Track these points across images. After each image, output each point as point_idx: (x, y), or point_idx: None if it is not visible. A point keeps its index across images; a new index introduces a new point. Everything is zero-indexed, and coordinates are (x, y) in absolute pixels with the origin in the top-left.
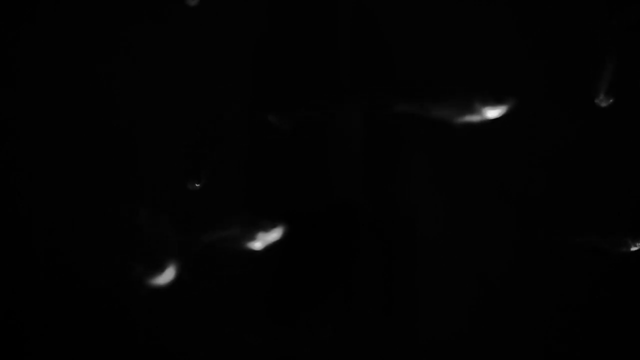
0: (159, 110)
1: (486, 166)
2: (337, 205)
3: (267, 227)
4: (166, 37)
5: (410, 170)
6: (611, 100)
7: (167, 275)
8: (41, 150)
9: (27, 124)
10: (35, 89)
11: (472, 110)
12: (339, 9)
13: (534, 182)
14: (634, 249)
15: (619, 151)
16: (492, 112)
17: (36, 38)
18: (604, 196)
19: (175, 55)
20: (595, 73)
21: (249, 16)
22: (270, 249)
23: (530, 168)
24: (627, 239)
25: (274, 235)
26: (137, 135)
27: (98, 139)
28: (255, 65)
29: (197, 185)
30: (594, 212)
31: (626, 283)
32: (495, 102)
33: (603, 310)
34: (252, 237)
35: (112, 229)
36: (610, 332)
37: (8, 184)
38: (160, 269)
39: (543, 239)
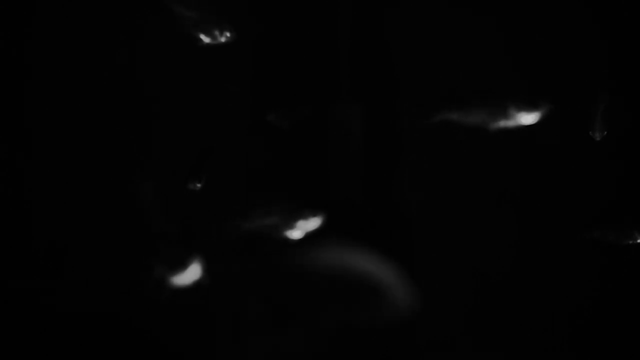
0: (160, 108)
1: (487, 165)
2: (336, 205)
3: (307, 215)
4: (166, 37)
5: (410, 170)
6: (605, 134)
7: (190, 274)
8: (51, 151)
9: (30, 127)
10: (43, 89)
11: (506, 115)
12: (339, 9)
13: (535, 180)
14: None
15: (620, 147)
16: (527, 118)
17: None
18: (608, 190)
19: (175, 55)
20: (590, 111)
21: (249, 16)
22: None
23: (532, 164)
24: (633, 231)
25: (313, 223)
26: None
27: (108, 138)
28: (255, 65)
29: (198, 185)
30: (599, 206)
31: (632, 277)
32: (530, 107)
33: (606, 307)
34: (291, 226)
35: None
36: (613, 329)
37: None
38: (183, 267)
39: (547, 235)
